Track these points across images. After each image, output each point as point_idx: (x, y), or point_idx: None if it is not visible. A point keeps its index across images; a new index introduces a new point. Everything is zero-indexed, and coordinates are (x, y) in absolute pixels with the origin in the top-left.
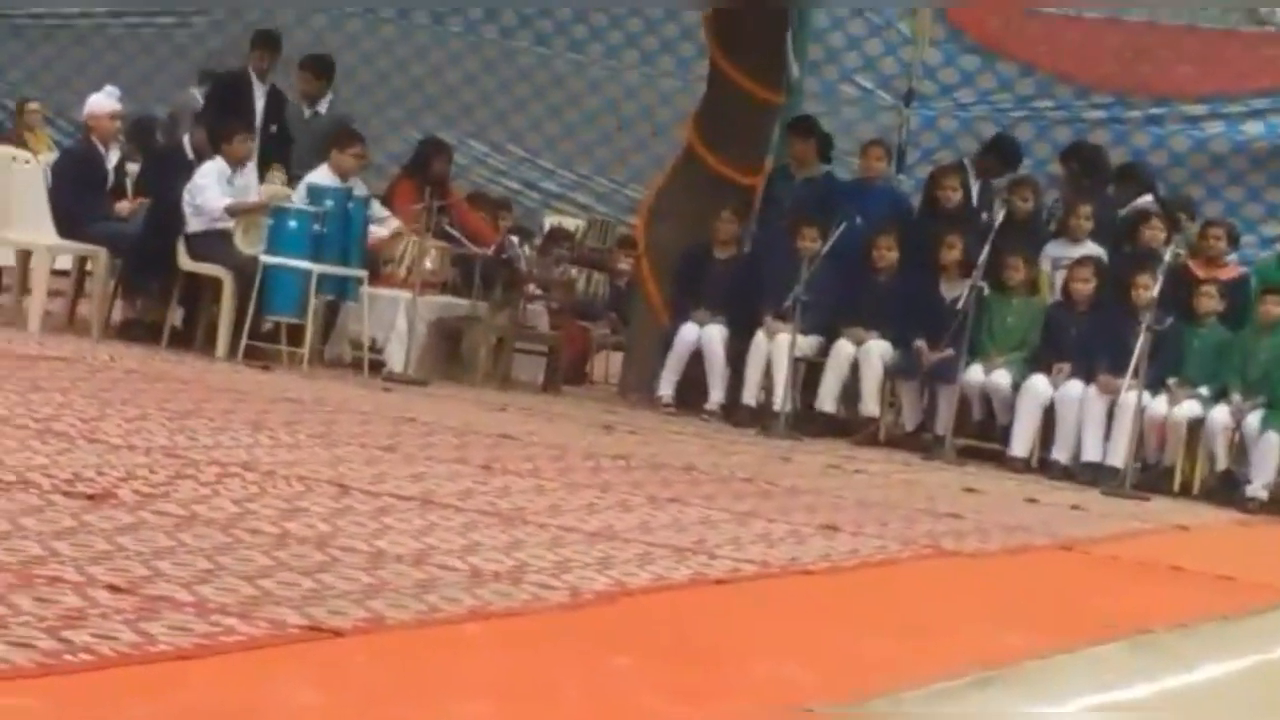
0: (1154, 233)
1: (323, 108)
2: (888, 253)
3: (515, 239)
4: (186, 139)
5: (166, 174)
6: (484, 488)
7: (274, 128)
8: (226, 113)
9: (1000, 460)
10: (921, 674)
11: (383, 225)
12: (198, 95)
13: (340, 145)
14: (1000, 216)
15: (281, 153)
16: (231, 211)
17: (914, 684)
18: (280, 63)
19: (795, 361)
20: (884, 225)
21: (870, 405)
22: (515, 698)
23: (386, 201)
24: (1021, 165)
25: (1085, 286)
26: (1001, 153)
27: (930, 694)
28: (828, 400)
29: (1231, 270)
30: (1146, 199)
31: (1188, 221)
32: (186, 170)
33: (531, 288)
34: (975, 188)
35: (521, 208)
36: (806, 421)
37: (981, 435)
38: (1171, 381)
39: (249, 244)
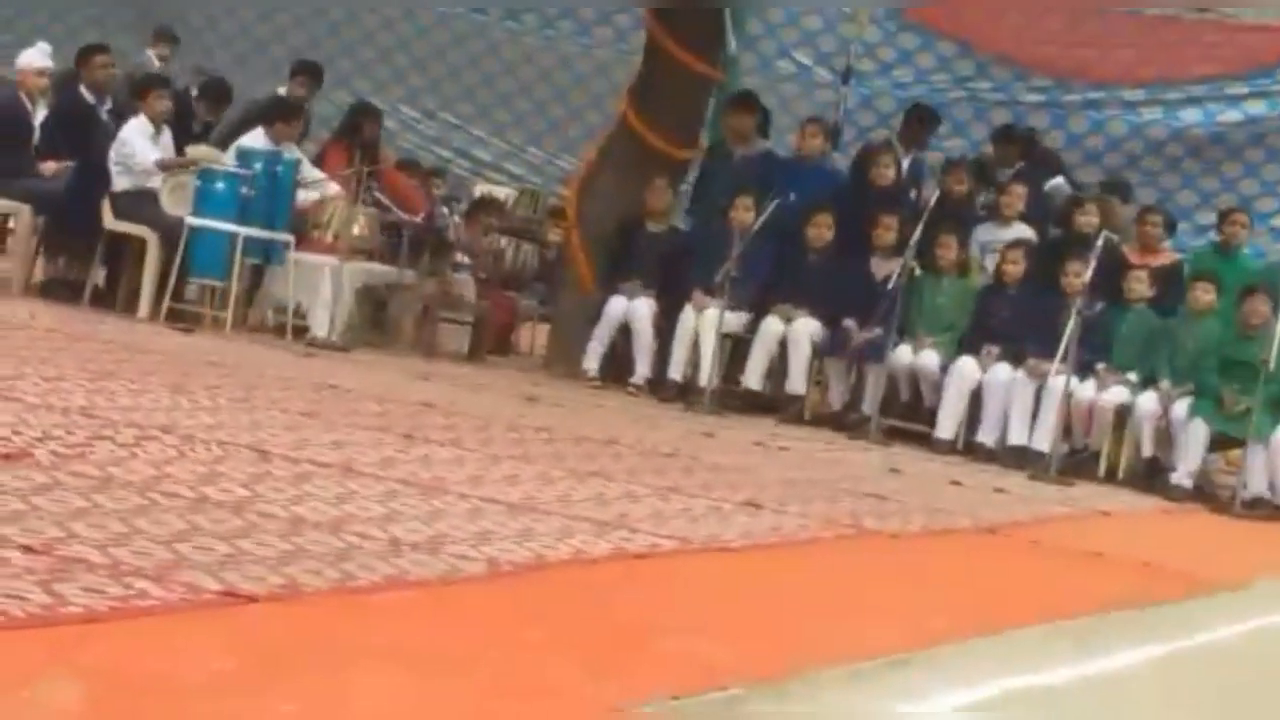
0: (1086, 218)
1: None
2: (825, 231)
3: (445, 208)
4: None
5: (85, 132)
6: (405, 457)
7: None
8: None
9: (926, 441)
10: (839, 654)
11: (318, 188)
12: (154, 57)
13: (286, 118)
14: (934, 197)
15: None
16: (163, 166)
17: (831, 663)
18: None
19: (723, 338)
20: (821, 203)
21: (798, 383)
22: (429, 668)
23: (316, 167)
24: (939, 129)
25: (1015, 269)
26: (920, 120)
27: (847, 674)
28: (754, 377)
29: (1166, 257)
30: (1056, 180)
31: (1121, 205)
32: (99, 127)
33: (459, 256)
34: (905, 163)
35: (453, 176)
36: (732, 398)
37: (908, 416)
38: (1100, 367)
39: (175, 205)
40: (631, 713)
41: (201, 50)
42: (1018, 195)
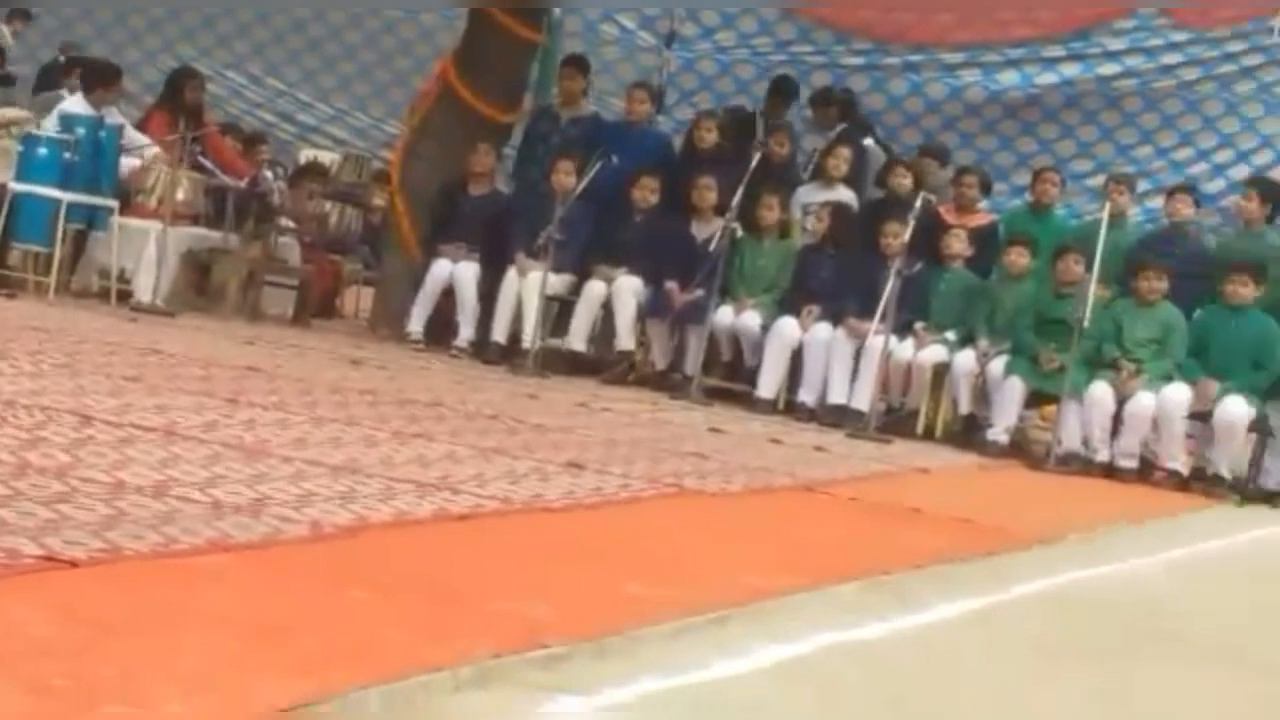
0: (900, 179)
1: None
2: (650, 194)
3: (269, 172)
4: None
5: None
6: (229, 420)
7: None
8: None
9: (748, 401)
10: (661, 612)
11: (142, 152)
12: (6, 32)
13: (106, 83)
14: (755, 159)
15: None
16: None
17: (652, 621)
18: None
19: (547, 300)
20: (648, 166)
21: (625, 340)
22: (253, 630)
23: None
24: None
25: (819, 225)
26: (781, 93)
27: (667, 631)
28: (578, 339)
29: (982, 218)
30: (867, 142)
31: (940, 168)
32: None
33: (284, 221)
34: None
35: (277, 141)
36: (556, 360)
37: (730, 376)
38: (918, 326)
39: None
40: (457, 671)
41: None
42: (843, 158)
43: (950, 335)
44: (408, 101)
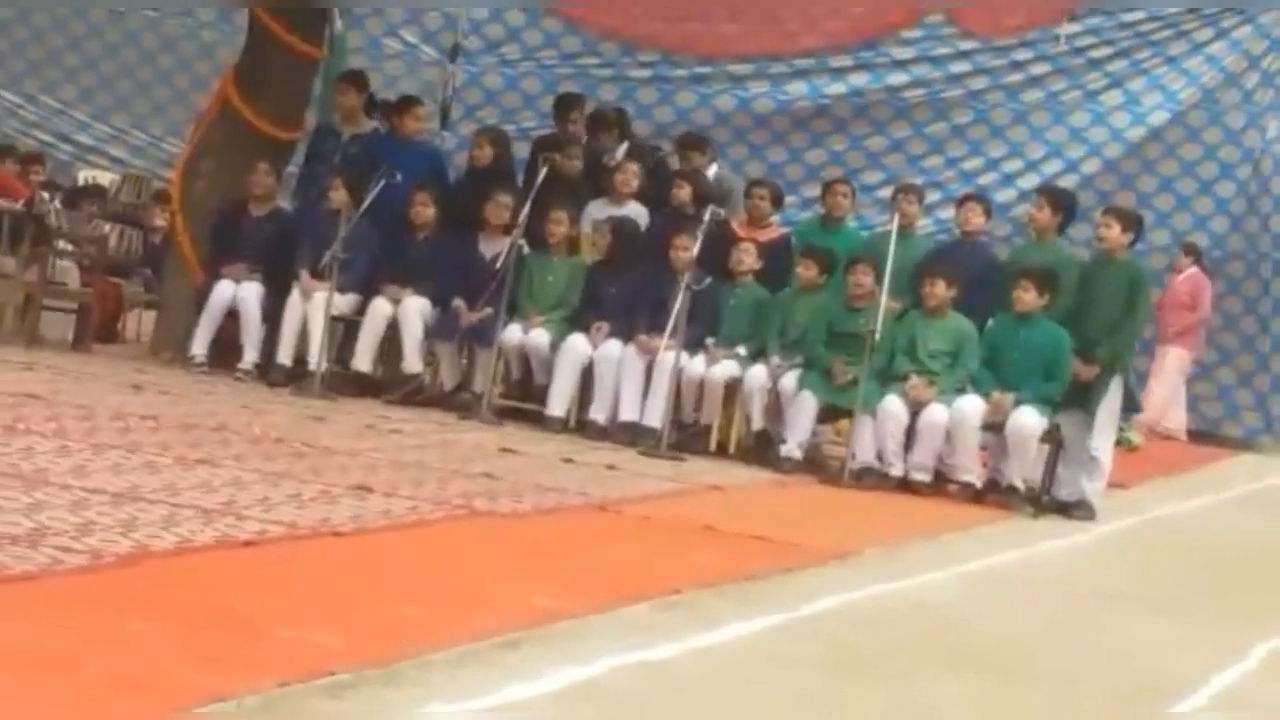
0: (681, 193)
1: None
2: (423, 209)
3: (46, 194)
4: None
5: None
6: (6, 449)
7: None
8: None
9: (539, 420)
10: (450, 636)
11: None
12: None
13: None
14: (542, 175)
15: None
16: None
17: (442, 646)
18: None
19: (332, 320)
20: (421, 182)
21: (413, 362)
22: (29, 664)
23: None
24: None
25: (602, 241)
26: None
27: (456, 656)
28: (364, 359)
29: (773, 231)
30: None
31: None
32: None
33: (61, 243)
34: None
35: (55, 161)
36: (343, 381)
37: (520, 395)
38: (710, 341)
39: None
40: (242, 701)
41: None
42: (632, 173)
43: (742, 350)
44: (187, 119)
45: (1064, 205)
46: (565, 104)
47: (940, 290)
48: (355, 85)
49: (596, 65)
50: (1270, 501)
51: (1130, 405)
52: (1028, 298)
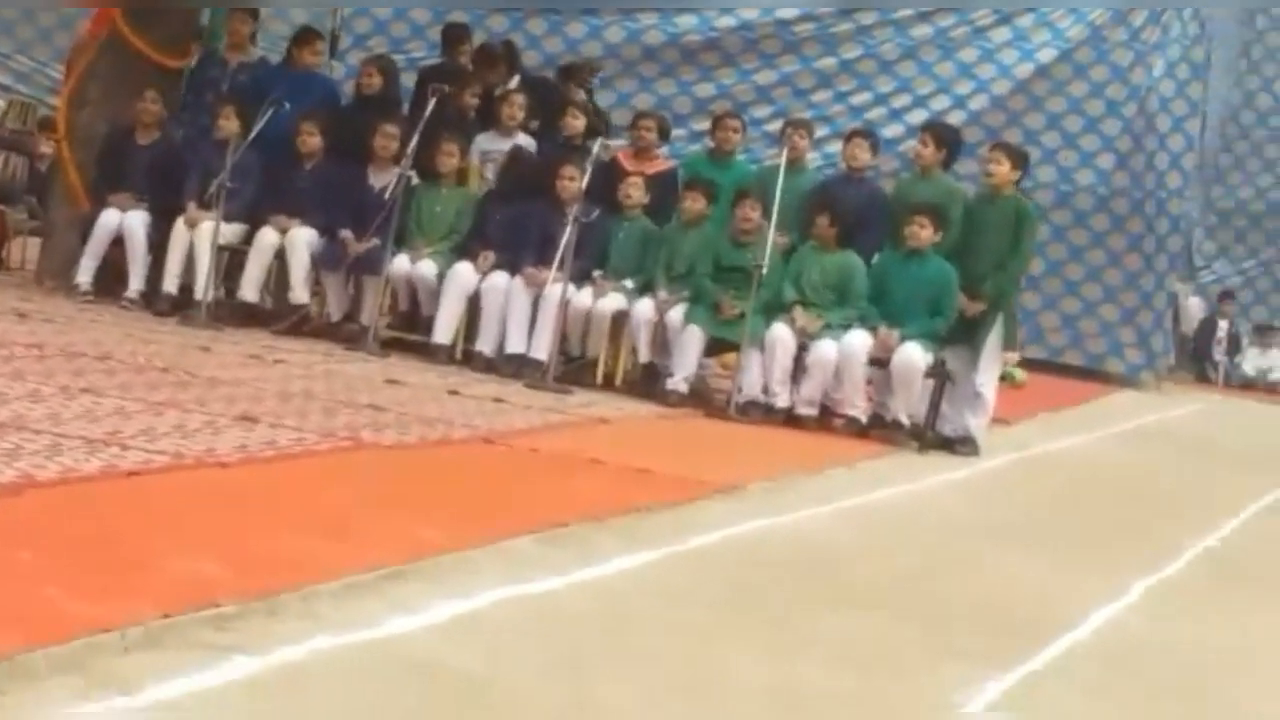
0: (573, 121)
1: None
2: (309, 139)
3: None
4: None
5: None
6: None
7: None
8: None
9: (425, 351)
10: (335, 568)
11: None
12: None
13: None
14: (431, 106)
15: None
16: None
17: (326, 577)
18: None
19: (219, 249)
20: (308, 112)
21: (300, 293)
22: None
23: None
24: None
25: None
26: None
27: (341, 588)
28: (250, 289)
29: (661, 164)
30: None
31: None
32: None
33: None
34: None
35: None
36: (229, 311)
37: (407, 326)
38: (597, 274)
39: None
40: (125, 632)
41: None
42: (518, 105)
43: (629, 283)
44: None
45: (948, 141)
46: (454, 35)
47: (831, 231)
48: (249, 13)
49: None
50: (1151, 437)
51: (1010, 343)
52: (924, 234)
